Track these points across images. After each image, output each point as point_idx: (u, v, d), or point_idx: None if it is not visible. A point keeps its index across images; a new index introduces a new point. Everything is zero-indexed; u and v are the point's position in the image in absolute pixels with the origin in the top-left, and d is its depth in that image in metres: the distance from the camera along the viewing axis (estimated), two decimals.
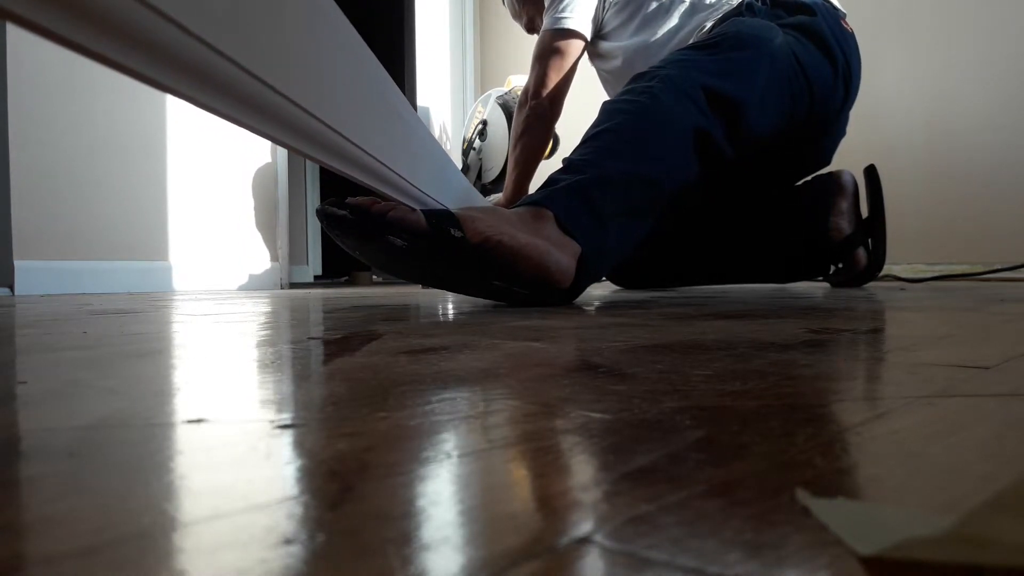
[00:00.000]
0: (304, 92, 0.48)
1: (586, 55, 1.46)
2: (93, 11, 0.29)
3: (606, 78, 1.47)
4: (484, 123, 1.81)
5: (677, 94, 0.99)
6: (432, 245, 0.79)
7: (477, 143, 1.82)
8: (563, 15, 1.33)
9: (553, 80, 1.34)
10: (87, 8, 0.29)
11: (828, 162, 1.39)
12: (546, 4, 1.38)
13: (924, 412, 0.25)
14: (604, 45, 1.42)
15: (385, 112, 0.70)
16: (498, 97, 1.83)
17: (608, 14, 1.36)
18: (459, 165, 2.04)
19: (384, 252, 0.82)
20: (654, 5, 1.32)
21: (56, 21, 0.28)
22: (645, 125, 0.97)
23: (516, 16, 1.59)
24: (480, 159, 1.84)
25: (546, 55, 1.34)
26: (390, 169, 0.71)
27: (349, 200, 0.81)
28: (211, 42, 0.36)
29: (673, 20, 1.30)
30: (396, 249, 0.80)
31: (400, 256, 0.82)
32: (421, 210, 0.81)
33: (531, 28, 1.56)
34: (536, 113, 1.36)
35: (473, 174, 1.85)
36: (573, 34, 1.34)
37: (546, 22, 1.36)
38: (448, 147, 2.95)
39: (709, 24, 1.22)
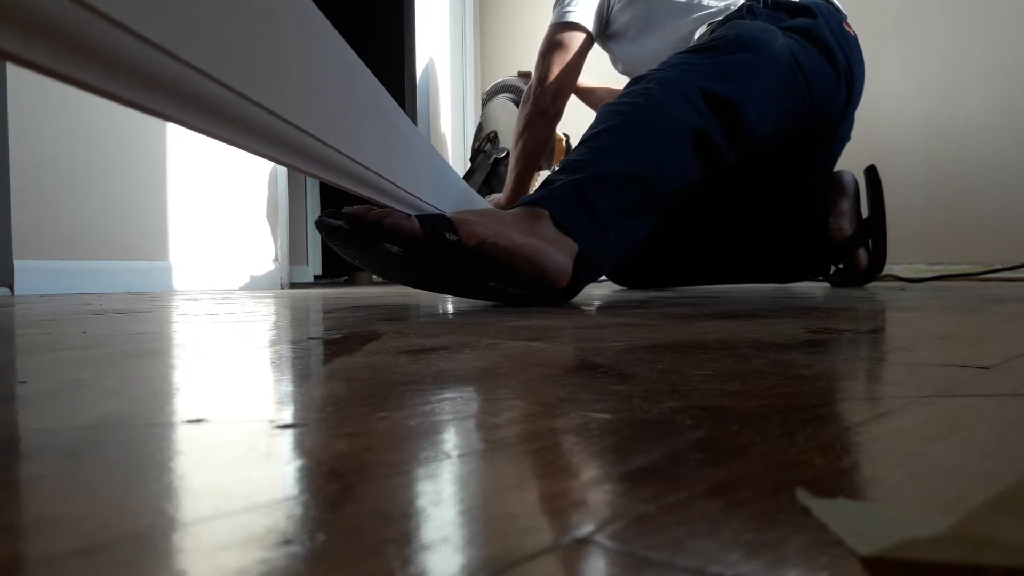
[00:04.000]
0: (297, 110, 0.48)
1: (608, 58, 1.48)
2: (83, 44, 0.29)
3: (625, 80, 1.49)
4: (495, 133, 1.80)
5: (674, 95, 0.99)
6: (427, 250, 0.80)
7: (488, 148, 1.80)
8: (566, 9, 1.35)
9: (555, 73, 1.34)
10: (78, 43, 0.29)
11: (832, 167, 1.39)
12: (553, 1, 1.39)
13: (924, 412, 0.25)
14: (611, 46, 1.43)
15: (379, 122, 0.70)
16: (505, 96, 1.82)
17: (614, 10, 1.37)
18: (462, 166, 2.02)
19: (381, 259, 0.83)
20: (654, 7, 1.32)
21: (51, 57, 0.28)
22: (641, 126, 0.97)
23: None
24: (490, 164, 1.82)
25: (549, 49, 1.35)
26: (386, 179, 0.71)
27: (346, 210, 0.83)
28: (203, 68, 0.36)
29: (674, 24, 1.31)
30: (392, 256, 0.81)
31: (397, 262, 0.82)
32: (416, 215, 0.81)
33: None
34: (538, 109, 1.36)
35: (479, 178, 1.83)
36: (575, 27, 1.35)
37: (552, 18, 1.38)
38: (449, 149, 2.95)
39: (704, 28, 1.23)
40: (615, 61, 1.49)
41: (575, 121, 1.60)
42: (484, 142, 1.80)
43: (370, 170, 0.66)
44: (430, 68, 2.96)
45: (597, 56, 1.46)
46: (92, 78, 0.30)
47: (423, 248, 0.80)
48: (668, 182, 0.97)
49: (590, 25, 1.36)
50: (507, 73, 1.98)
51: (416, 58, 2.97)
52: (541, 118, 1.38)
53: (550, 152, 1.60)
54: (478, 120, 1.94)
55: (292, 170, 0.58)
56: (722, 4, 1.27)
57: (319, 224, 0.86)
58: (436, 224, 0.80)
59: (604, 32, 1.40)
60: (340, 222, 0.82)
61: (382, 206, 0.80)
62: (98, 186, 1.85)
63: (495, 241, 0.80)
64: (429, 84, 2.95)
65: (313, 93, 0.52)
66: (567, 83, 1.37)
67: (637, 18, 1.35)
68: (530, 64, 1.46)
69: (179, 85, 0.35)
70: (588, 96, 1.69)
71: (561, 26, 1.35)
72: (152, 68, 0.33)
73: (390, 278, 0.92)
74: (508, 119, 1.62)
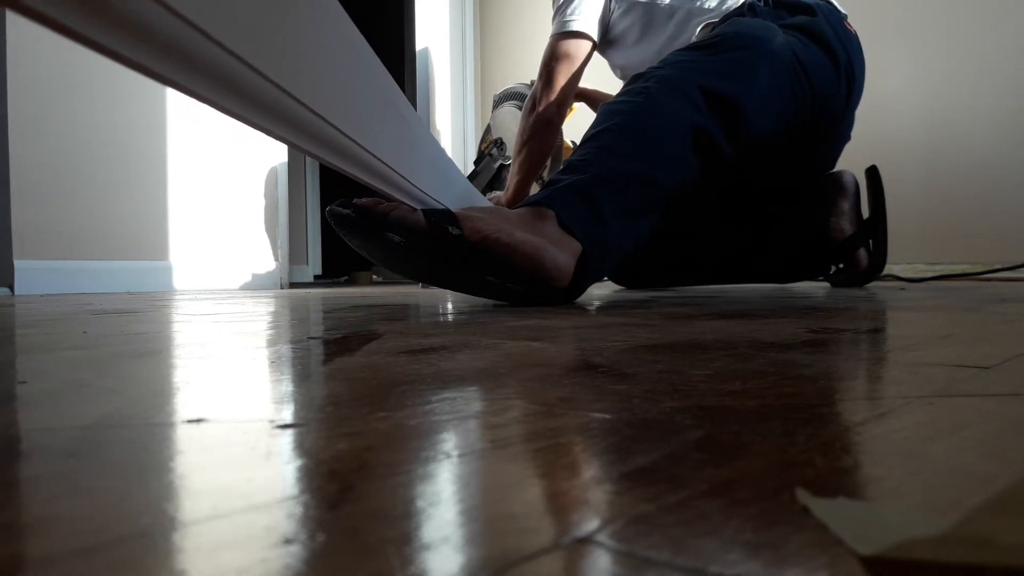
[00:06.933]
0: (313, 94, 0.49)
1: (607, 62, 1.47)
2: (117, 13, 0.29)
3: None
4: (501, 140, 1.80)
5: (673, 93, 0.99)
6: (431, 242, 0.81)
7: (495, 152, 1.80)
8: (569, 18, 1.34)
9: (560, 84, 1.34)
10: (114, 12, 0.29)
11: (832, 166, 1.39)
12: (553, 10, 1.38)
13: (924, 412, 0.25)
14: (610, 53, 1.43)
15: (389, 113, 0.71)
16: (512, 104, 1.81)
17: (614, 17, 1.37)
18: (465, 166, 2.01)
19: (385, 249, 0.84)
20: (654, 11, 1.32)
21: (79, 21, 0.28)
22: (641, 124, 0.97)
23: None
24: (495, 168, 1.82)
25: (553, 59, 1.35)
26: (392, 169, 0.72)
27: (355, 201, 0.85)
28: (229, 46, 0.37)
29: (674, 26, 1.30)
30: (396, 246, 0.82)
31: (401, 253, 0.83)
32: (421, 210, 0.82)
33: None
34: (544, 118, 1.36)
35: (484, 180, 1.83)
36: (580, 35, 1.34)
37: (553, 27, 1.37)
38: (449, 151, 2.95)
39: (700, 29, 1.23)
40: (614, 67, 1.49)
41: (576, 126, 1.60)
42: (490, 146, 1.80)
43: (380, 160, 0.67)
44: (430, 73, 2.96)
45: (597, 59, 1.46)
46: (121, 46, 0.30)
47: (426, 241, 0.81)
48: (670, 180, 0.97)
49: (594, 33, 1.35)
50: (507, 76, 1.97)
51: (416, 62, 2.97)
52: (546, 127, 1.38)
53: (558, 158, 1.59)
54: (478, 125, 1.94)
55: (309, 155, 0.58)
56: (723, 8, 1.27)
57: (329, 213, 0.88)
58: (440, 218, 0.82)
59: (604, 38, 1.40)
60: (349, 211, 0.84)
61: (390, 200, 0.82)
62: (98, 186, 1.85)
63: (497, 237, 0.81)
64: (429, 89, 2.95)
65: (329, 78, 0.53)
66: (571, 91, 1.37)
67: (637, 23, 1.35)
68: (533, 71, 1.45)
69: (203, 60, 0.36)
70: (595, 105, 1.69)
71: (565, 35, 1.34)
72: (178, 40, 0.34)
73: (393, 269, 0.93)
74: (515, 127, 1.62)
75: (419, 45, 2.98)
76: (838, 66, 1.19)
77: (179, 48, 0.34)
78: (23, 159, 1.69)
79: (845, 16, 1.27)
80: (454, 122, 3.02)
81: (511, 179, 1.44)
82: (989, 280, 1.74)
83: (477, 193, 1.25)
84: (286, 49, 0.45)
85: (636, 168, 0.94)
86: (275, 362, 0.41)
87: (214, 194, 2.13)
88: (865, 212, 1.41)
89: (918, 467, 0.18)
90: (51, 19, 0.26)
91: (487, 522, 0.15)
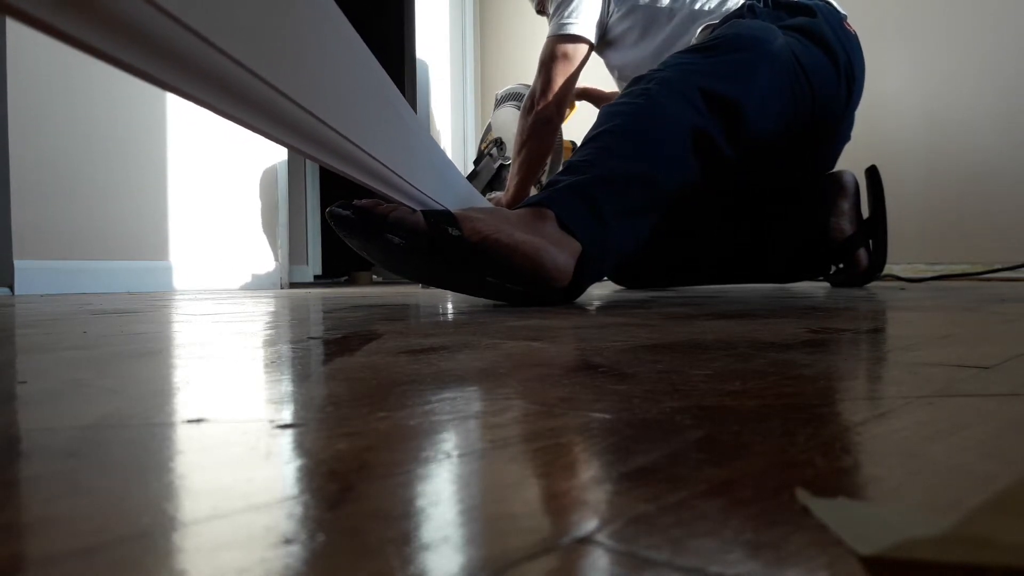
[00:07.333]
0: (310, 96, 0.49)
1: (604, 63, 1.47)
2: (114, 18, 0.29)
3: (622, 86, 1.48)
4: (501, 139, 1.80)
5: (673, 95, 0.99)
6: (430, 243, 0.81)
7: (495, 152, 1.81)
8: (568, 21, 1.34)
9: (558, 83, 1.35)
10: (110, 16, 0.29)
11: (832, 166, 1.39)
12: (551, 10, 1.38)
13: (924, 412, 0.25)
14: (610, 54, 1.43)
15: (387, 114, 0.71)
16: (511, 104, 1.81)
17: (612, 19, 1.37)
18: (465, 166, 2.01)
19: (385, 251, 0.84)
20: (655, 13, 1.32)
21: (76, 26, 0.28)
22: (642, 125, 0.98)
23: None
24: (495, 168, 1.83)
25: (551, 61, 1.35)
26: (391, 171, 0.73)
27: (355, 202, 0.85)
28: (223, 48, 0.37)
29: (674, 27, 1.31)
30: (396, 247, 0.82)
31: (400, 254, 0.83)
32: (421, 211, 0.82)
33: (541, 10, 1.53)
34: (542, 118, 1.36)
35: (484, 179, 1.83)
36: (578, 39, 1.34)
37: (551, 28, 1.37)
38: (449, 151, 2.95)
39: (700, 29, 1.23)
40: (611, 68, 1.49)
41: (576, 126, 1.60)
42: (490, 146, 1.80)
43: (379, 162, 0.67)
44: (429, 74, 2.96)
45: (598, 58, 1.46)
46: (117, 50, 0.30)
47: (426, 242, 0.81)
48: (670, 181, 0.97)
49: (592, 36, 1.36)
50: (507, 77, 1.97)
51: (415, 63, 2.97)
52: (546, 126, 1.38)
53: (557, 159, 1.59)
54: (478, 125, 1.93)
55: (309, 159, 0.59)
56: (723, 9, 1.27)
57: (329, 214, 0.88)
58: (440, 219, 0.82)
59: (603, 39, 1.40)
60: (348, 212, 0.84)
61: (390, 201, 0.82)
62: (98, 186, 1.85)
63: (497, 238, 0.81)
64: (428, 89, 2.95)
65: (328, 81, 0.53)
66: (569, 90, 1.38)
67: (637, 25, 1.35)
68: (533, 71, 1.45)
69: (202, 65, 0.36)
70: (599, 103, 1.68)
71: (563, 38, 1.35)
72: (176, 44, 0.34)
73: (393, 270, 0.93)
74: (515, 127, 1.63)
75: (419, 46, 2.98)
76: (838, 67, 1.19)
77: (172, 50, 0.34)
78: (23, 159, 1.68)
79: (845, 16, 1.27)
80: (454, 122, 3.02)
81: (511, 179, 1.44)
82: (989, 280, 1.74)
83: (477, 194, 1.25)
84: (282, 51, 0.45)
85: (636, 169, 0.94)
86: (275, 362, 0.41)
87: (214, 194, 2.13)
88: (865, 212, 1.41)
89: (918, 467, 0.18)
90: (40, 20, 0.26)
91: (487, 522, 0.15)
